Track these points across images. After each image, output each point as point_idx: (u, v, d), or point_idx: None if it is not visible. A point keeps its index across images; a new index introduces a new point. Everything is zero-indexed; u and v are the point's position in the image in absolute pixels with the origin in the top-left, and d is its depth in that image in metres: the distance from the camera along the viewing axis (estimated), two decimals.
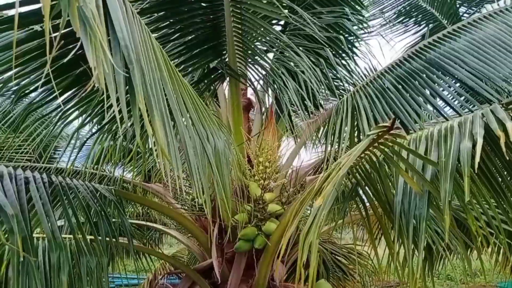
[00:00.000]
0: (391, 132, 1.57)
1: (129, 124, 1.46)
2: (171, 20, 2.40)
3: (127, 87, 1.16)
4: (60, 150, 4.78)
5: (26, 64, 1.69)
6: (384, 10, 5.07)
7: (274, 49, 2.62)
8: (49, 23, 0.83)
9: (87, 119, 2.01)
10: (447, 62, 2.64)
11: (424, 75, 2.65)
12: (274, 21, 2.77)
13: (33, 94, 1.93)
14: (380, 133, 1.58)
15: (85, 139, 2.47)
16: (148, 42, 1.52)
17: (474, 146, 1.38)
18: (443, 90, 2.68)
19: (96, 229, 2.11)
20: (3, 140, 3.13)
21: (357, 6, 3.16)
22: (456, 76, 2.63)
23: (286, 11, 2.76)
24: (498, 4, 2.93)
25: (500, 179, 1.63)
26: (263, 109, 2.86)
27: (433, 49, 2.73)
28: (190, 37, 2.46)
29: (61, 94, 1.81)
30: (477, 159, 1.28)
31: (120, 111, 1.08)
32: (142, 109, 1.10)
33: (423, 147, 1.72)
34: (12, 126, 2.36)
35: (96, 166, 3.16)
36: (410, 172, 1.63)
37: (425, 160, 1.61)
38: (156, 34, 2.38)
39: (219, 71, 2.57)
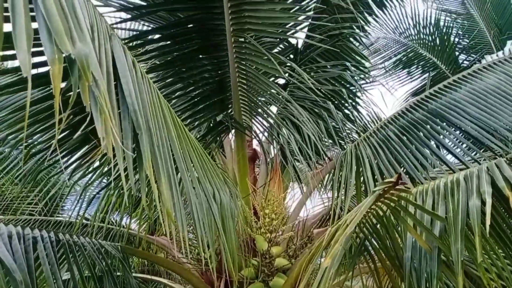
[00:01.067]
0: (397, 187, 1.57)
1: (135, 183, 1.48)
2: (180, 77, 2.48)
3: (135, 153, 1.18)
4: (68, 199, 4.79)
5: (38, 124, 1.74)
6: (385, 59, 5.21)
7: (278, 103, 2.68)
8: (59, 98, 0.87)
9: (94, 176, 2.03)
10: (449, 112, 2.68)
11: (427, 126, 2.68)
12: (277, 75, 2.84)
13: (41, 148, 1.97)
14: (386, 188, 1.58)
15: (93, 194, 2.48)
16: (156, 101, 1.57)
17: (483, 202, 1.38)
18: (446, 140, 2.70)
19: (101, 284, 2.08)
20: (15, 193, 3.16)
21: (358, 58, 3.27)
22: (459, 126, 2.66)
23: (289, 64, 2.85)
24: (497, 55, 3.01)
25: (509, 231, 1.62)
26: (268, 159, 2.88)
27: (434, 99, 2.78)
28: (197, 92, 2.53)
29: (70, 152, 1.85)
30: (488, 220, 1.27)
31: (126, 170, 1.11)
32: (150, 174, 1.12)
33: (430, 201, 1.71)
34: (22, 181, 2.39)
35: (104, 216, 3.17)
36: (418, 228, 1.62)
37: (433, 216, 1.60)
38: (164, 90, 2.45)
39: (225, 124, 2.62)
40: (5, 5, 0.82)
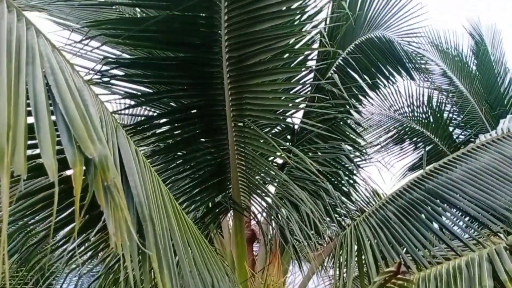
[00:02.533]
0: (398, 276, 1.56)
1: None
2: (182, 159, 2.54)
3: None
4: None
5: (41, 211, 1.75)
6: (379, 134, 5.33)
7: (276, 183, 2.71)
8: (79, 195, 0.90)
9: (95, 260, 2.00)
10: (446, 192, 2.70)
11: (426, 206, 2.69)
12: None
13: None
14: (386, 278, 1.56)
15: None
16: (158, 190, 1.60)
17: None
18: (444, 218, 2.70)
19: None
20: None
21: (354, 136, 3.36)
22: (457, 206, 2.67)
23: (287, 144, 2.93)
24: (490, 134, 3.10)
25: None
26: (267, 241, 2.85)
27: (431, 179, 2.81)
28: (198, 174, 2.58)
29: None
30: None
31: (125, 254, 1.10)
32: (155, 268, 1.12)
33: None
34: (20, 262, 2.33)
35: None
36: None
37: None
38: (165, 173, 2.49)
39: (224, 205, 2.63)
40: (28, 108, 0.88)
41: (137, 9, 2.79)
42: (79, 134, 0.93)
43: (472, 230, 2.76)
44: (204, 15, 2.25)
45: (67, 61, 1.34)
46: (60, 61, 1.18)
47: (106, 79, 2.39)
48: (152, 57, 2.52)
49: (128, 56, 2.57)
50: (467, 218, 2.73)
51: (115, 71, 2.39)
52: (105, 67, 2.34)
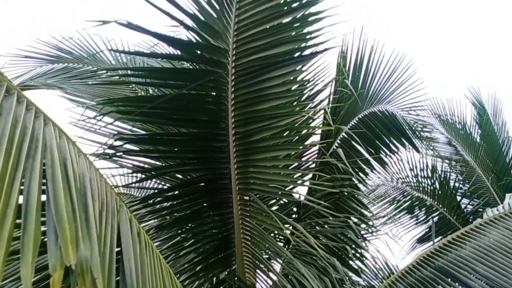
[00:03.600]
0: None
1: None
2: (189, 233, 2.53)
3: None
4: None
5: None
6: (386, 206, 5.28)
7: (282, 259, 2.66)
8: None
9: None
10: (456, 270, 2.63)
11: (436, 284, 2.61)
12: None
13: None
14: None
15: None
16: (158, 272, 1.58)
17: None
18: None
19: None
20: None
21: (360, 209, 3.33)
22: (467, 284, 2.59)
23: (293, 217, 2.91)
24: (497, 209, 3.07)
25: None
26: None
27: (441, 256, 2.75)
28: (202, 249, 2.55)
29: None
30: None
31: None
32: None
33: None
34: None
35: None
36: None
37: None
38: (169, 249, 2.47)
39: (228, 282, 2.57)
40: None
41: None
42: (64, 237, 0.93)
43: None
44: (212, 93, 2.36)
45: (74, 145, 1.39)
46: (64, 149, 1.22)
47: (117, 153, 2.45)
48: (162, 132, 2.60)
49: (139, 131, 2.65)
50: None
51: (126, 146, 2.46)
52: (116, 142, 2.42)
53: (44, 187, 1.06)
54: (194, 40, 2.37)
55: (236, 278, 2.52)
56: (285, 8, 2.26)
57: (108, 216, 1.36)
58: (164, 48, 3.29)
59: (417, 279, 2.67)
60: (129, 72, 2.75)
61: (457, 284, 2.60)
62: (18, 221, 0.92)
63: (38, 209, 0.94)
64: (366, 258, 3.22)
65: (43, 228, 0.96)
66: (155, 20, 2.25)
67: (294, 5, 2.27)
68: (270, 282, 2.63)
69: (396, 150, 3.72)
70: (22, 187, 0.98)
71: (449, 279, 2.60)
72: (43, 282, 1.63)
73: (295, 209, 3.12)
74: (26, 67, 3.33)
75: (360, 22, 3.07)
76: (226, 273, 2.60)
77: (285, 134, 2.48)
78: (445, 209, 5.27)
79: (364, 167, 3.41)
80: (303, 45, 2.34)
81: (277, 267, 2.68)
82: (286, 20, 2.27)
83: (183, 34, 2.77)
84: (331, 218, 3.02)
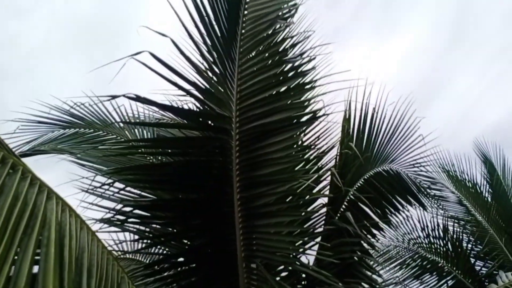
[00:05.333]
0: None
1: None
2: None
3: None
4: None
5: None
6: (398, 268, 5.10)
7: None
8: None
9: None
10: None
11: None
12: None
13: None
14: None
15: None
16: None
17: None
18: None
19: None
20: None
21: (371, 274, 3.21)
22: None
23: None
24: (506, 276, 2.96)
25: None
26: None
27: None
28: None
29: None
30: None
31: None
32: None
33: None
34: None
35: None
36: None
37: None
38: None
39: None
40: None
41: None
42: None
43: None
44: (218, 158, 2.39)
45: (76, 217, 1.39)
46: (64, 225, 1.22)
47: (126, 218, 2.45)
48: (170, 198, 2.61)
49: (149, 195, 2.66)
50: None
51: (134, 211, 2.47)
52: (125, 208, 2.43)
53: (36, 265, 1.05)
54: (201, 109, 2.44)
55: None
56: (281, 78, 2.36)
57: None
58: (170, 114, 3.37)
59: None
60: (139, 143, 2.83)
61: None
62: None
63: None
64: None
65: None
66: (158, 87, 2.35)
67: (289, 74, 2.37)
68: None
69: (401, 208, 3.65)
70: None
71: None
72: None
73: (304, 275, 3.02)
74: (39, 131, 3.41)
75: (358, 83, 3.15)
76: None
77: (288, 200, 2.48)
78: (459, 272, 5.06)
79: (372, 229, 3.33)
80: (302, 112, 2.41)
81: None
82: (283, 88, 2.36)
83: (189, 102, 2.86)
84: (340, 284, 2.92)
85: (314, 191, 2.79)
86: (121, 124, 3.29)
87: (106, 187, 2.45)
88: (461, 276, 4.96)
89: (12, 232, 1.01)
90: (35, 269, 1.03)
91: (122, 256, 3.30)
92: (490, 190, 6.31)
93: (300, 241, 2.66)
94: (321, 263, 2.93)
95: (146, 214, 2.52)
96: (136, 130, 3.30)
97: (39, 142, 3.29)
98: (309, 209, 2.82)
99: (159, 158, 2.98)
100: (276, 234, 2.41)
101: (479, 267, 5.35)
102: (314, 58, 2.40)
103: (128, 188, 2.68)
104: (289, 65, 2.42)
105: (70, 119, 3.34)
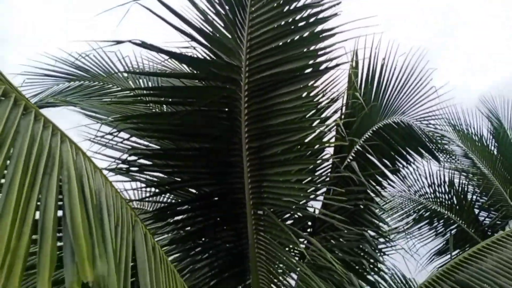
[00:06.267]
0: None
1: None
2: (199, 249, 2.53)
3: None
4: None
5: None
6: (402, 217, 5.20)
7: (297, 273, 2.63)
8: None
9: None
10: (477, 284, 2.56)
11: None
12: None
13: None
14: None
15: None
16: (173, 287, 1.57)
17: None
18: None
19: None
20: None
21: (377, 221, 3.28)
22: None
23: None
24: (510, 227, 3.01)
25: None
26: None
27: (461, 270, 2.68)
28: (216, 264, 2.54)
29: None
30: None
31: None
32: None
33: None
34: None
35: None
36: None
37: None
38: (181, 264, 2.47)
39: None
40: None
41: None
42: (80, 254, 0.94)
43: None
44: (225, 109, 2.38)
45: (90, 161, 1.41)
46: (81, 165, 1.24)
47: (132, 168, 2.48)
48: (176, 147, 2.62)
49: (154, 146, 2.68)
50: None
51: (141, 160, 2.49)
52: (131, 157, 2.45)
53: (60, 203, 1.07)
54: (208, 58, 2.40)
55: None
56: (294, 26, 2.29)
57: (123, 232, 1.37)
58: (175, 64, 3.34)
59: None
60: (144, 91, 2.80)
61: None
62: (34, 236, 0.93)
63: (54, 226, 0.95)
64: (384, 272, 3.17)
65: (59, 244, 0.97)
66: (165, 39, 2.30)
67: (303, 23, 2.30)
68: None
69: (413, 161, 3.67)
70: (38, 203, 1.00)
71: None
72: None
73: (309, 223, 3.10)
74: (44, 85, 3.41)
75: (371, 34, 3.07)
76: (241, 287, 2.58)
77: (296, 149, 2.48)
78: (463, 222, 5.16)
79: (380, 179, 3.37)
80: (314, 61, 2.36)
81: (292, 281, 2.65)
82: (296, 37, 2.30)
83: (195, 54, 2.81)
84: (346, 231, 2.99)
85: (324, 140, 2.79)
86: (126, 75, 3.26)
87: (111, 136, 2.46)
88: (464, 226, 5.06)
89: (33, 171, 1.02)
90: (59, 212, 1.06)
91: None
92: (496, 144, 6.31)
93: (309, 189, 2.70)
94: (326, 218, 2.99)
95: (152, 162, 2.54)
96: (140, 81, 3.28)
97: (45, 95, 3.29)
98: (317, 158, 2.83)
99: (164, 108, 2.97)
100: (285, 182, 2.44)
101: (483, 218, 5.44)
102: (337, 4, 2.31)
103: (134, 139, 2.70)
104: (303, 13, 2.34)
105: (75, 71, 3.32)
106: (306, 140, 2.52)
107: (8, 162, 0.99)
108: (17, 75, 3.08)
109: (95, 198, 1.16)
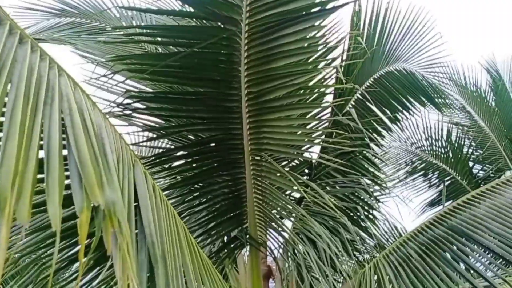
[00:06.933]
0: None
1: None
2: (199, 192, 2.54)
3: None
4: None
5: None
6: (397, 168, 5.26)
7: (293, 218, 2.68)
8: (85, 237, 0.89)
9: None
10: (470, 229, 2.60)
11: (448, 243, 2.60)
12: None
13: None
14: None
15: None
16: (173, 226, 1.58)
17: None
18: (469, 257, 2.59)
19: None
20: None
21: (373, 170, 3.31)
22: (481, 243, 2.57)
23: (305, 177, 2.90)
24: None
25: None
26: (284, 277, 2.79)
27: (454, 215, 2.73)
28: (213, 208, 2.57)
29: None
30: None
31: None
32: None
33: None
34: None
35: None
36: None
37: None
38: (181, 206, 2.49)
39: (240, 240, 2.59)
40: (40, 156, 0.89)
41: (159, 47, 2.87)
42: (89, 180, 0.92)
43: (497, 268, 2.65)
44: (224, 52, 2.30)
45: (88, 98, 1.36)
46: (80, 99, 1.20)
47: (127, 112, 2.44)
48: (173, 91, 2.57)
49: (150, 90, 2.63)
50: (489, 255, 2.62)
51: (136, 104, 2.44)
52: (127, 100, 2.40)
53: (63, 135, 1.04)
54: None
55: (247, 236, 2.55)
56: None
57: (124, 169, 1.35)
58: (169, 4, 3.20)
59: (429, 238, 2.65)
60: (138, 30, 2.68)
61: (464, 239, 2.58)
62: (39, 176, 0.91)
63: (60, 152, 0.93)
64: (378, 219, 3.23)
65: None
66: None
67: None
68: (282, 240, 2.65)
69: (414, 110, 3.64)
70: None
71: (463, 238, 2.58)
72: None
73: (306, 170, 3.11)
74: (32, 19, 3.27)
75: None
76: (238, 231, 2.62)
77: (300, 93, 2.43)
78: (457, 174, 5.23)
79: (379, 128, 3.36)
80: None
81: (289, 224, 2.70)
82: None
83: None
84: (341, 177, 3.01)
85: (325, 83, 2.73)
86: (118, 15, 3.13)
87: (108, 78, 2.39)
88: (458, 178, 5.13)
89: (34, 100, 0.99)
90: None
91: None
92: (494, 97, 6.29)
93: (311, 133, 2.68)
94: (323, 161, 3.00)
95: (148, 106, 2.49)
96: (134, 22, 3.16)
97: (34, 30, 3.15)
98: (321, 102, 2.78)
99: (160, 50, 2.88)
100: (286, 127, 2.41)
101: (477, 171, 5.52)
102: None
103: (130, 82, 2.63)
104: None
105: (64, 7, 3.17)
106: (311, 84, 2.45)
107: (8, 87, 0.95)
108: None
109: (98, 131, 1.13)
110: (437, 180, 5.35)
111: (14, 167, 0.80)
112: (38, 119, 0.95)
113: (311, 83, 2.46)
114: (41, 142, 0.95)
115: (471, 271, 2.56)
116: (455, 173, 5.25)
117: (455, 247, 2.56)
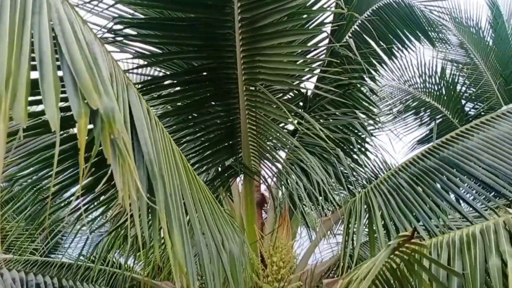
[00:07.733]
0: (412, 241, 1.53)
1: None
2: (192, 122, 2.51)
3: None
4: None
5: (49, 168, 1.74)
6: (390, 106, 5.25)
7: (287, 149, 2.69)
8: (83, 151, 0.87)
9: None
10: (461, 160, 2.64)
11: (439, 173, 2.65)
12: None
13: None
14: (400, 242, 1.54)
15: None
16: (169, 148, 1.57)
17: (503, 262, 1.34)
18: (459, 187, 2.65)
19: None
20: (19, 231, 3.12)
21: (367, 104, 3.29)
22: (472, 174, 2.61)
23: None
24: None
25: None
26: (276, 205, 2.85)
27: (446, 147, 2.76)
28: (208, 137, 2.56)
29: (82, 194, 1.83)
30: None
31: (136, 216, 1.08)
32: (164, 226, 1.10)
33: (446, 255, 1.67)
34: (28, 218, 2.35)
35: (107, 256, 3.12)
36: (434, 283, 1.56)
37: (450, 271, 1.55)
38: (175, 135, 2.47)
39: (234, 169, 2.62)
40: (33, 63, 0.84)
41: None
42: (85, 85, 0.89)
43: (488, 200, 2.72)
44: None
45: (78, 14, 1.29)
46: (69, 12, 1.12)
47: (118, 38, 2.34)
48: (164, 17, 2.45)
49: (140, 16, 2.51)
50: (481, 187, 2.68)
51: (127, 30, 2.34)
52: (117, 26, 2.29)
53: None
54: None
55: (242, 165, 2.57)
56: None
57: (118, 89, 1.31)
58: None
59: (420, 169, 2.70)
60: None
61: (455, 170, 2.62)
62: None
63: (53, 57, 0.88)
64: (370, 152, 3.27)
65: None
66: None
67: None
68: (275, 170, 2.68)
69: (409, 44, 3.57)
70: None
71: (454, 169, 2.62)
72: None
73: (301, 103, 3.09)
74: None
75: None
76: (233, 160, 2.63)
77: (295, 18, 2.33)
78: (448, 112, 5.25)
79: (374, 62, 3.30)
80: None
81: (283, 154, 2.72)
82: None
83: None
84: (334, 110, 3.00)
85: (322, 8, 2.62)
86: None
87: (96, 2, 2.27)
88: (450, 116, 5.16)
89: (22, 10, 0.92)
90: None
91: None
92: (492, 34, 6.17)
93: (307, 62, 2.62)
94: (320, 92, 2.97)
95: (139, 32, 2.39)
96: None
97: None
98: (318, 28, 2.69)
99: None
100: (280, 55, 2.34)
101: (469, 109, 5.54)
102: None
103: (120, 6, 2.50)
104: None
105: None
106: (308, 4, 2.35)
107: None
108: None
109: (90, 45, 1.07)
110: (428, 119, 5.37)
111: (7, 68, 0.76)
112: (28, 28, 0.89)
113: (310, 2, 2.35)
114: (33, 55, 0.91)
115: (461, 202, 2.63)
116: (447, 111, 5.27)
117: (445, 178, 2.61)
